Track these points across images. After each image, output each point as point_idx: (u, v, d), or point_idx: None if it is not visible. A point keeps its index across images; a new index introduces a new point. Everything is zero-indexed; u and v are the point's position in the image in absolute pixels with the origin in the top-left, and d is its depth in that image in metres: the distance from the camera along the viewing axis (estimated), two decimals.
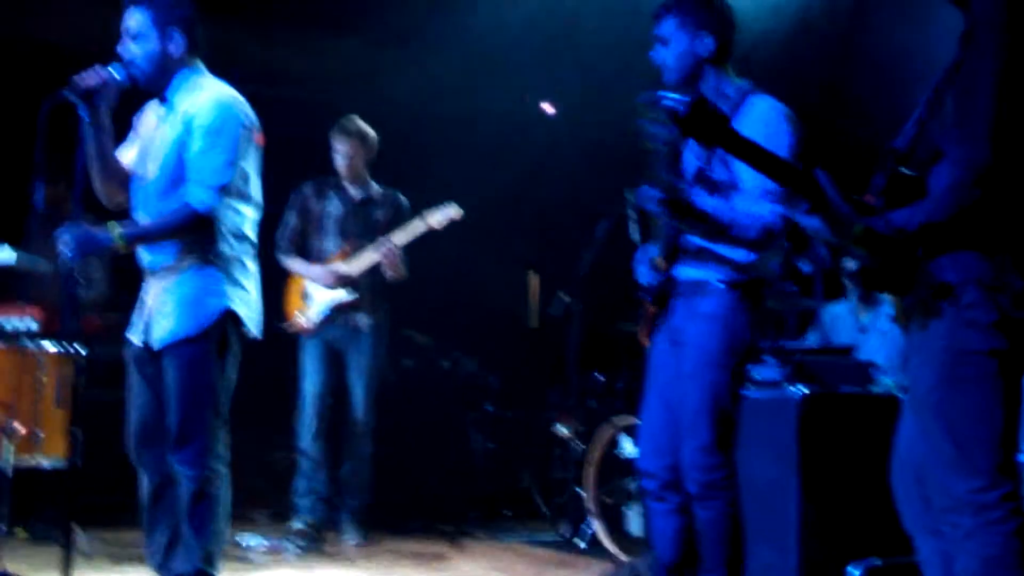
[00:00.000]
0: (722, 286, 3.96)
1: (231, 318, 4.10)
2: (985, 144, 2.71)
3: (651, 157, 4.03)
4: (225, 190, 4.05)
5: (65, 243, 3.90)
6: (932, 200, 2.79)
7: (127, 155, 4.29)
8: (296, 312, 6.55)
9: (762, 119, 3.90)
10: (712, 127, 2.90)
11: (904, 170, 2.90)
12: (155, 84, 4.16)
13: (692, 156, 4.00)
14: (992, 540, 2.74)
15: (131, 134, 4.32)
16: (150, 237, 4.09)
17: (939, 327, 2.80)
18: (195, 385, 4.03)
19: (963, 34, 2.89)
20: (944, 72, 2.90)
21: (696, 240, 4.00)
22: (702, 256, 3.99)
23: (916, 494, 2.95)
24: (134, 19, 4.10)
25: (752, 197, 3.87)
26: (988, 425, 2.77)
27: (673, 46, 4.03)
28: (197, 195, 4.01)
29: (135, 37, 4.09)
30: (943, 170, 2.80)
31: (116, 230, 4.00)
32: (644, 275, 4.17)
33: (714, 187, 3.91)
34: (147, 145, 4.22)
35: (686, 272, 4.03)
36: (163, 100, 4.18)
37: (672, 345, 4.06)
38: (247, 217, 4.21)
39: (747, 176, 3.87)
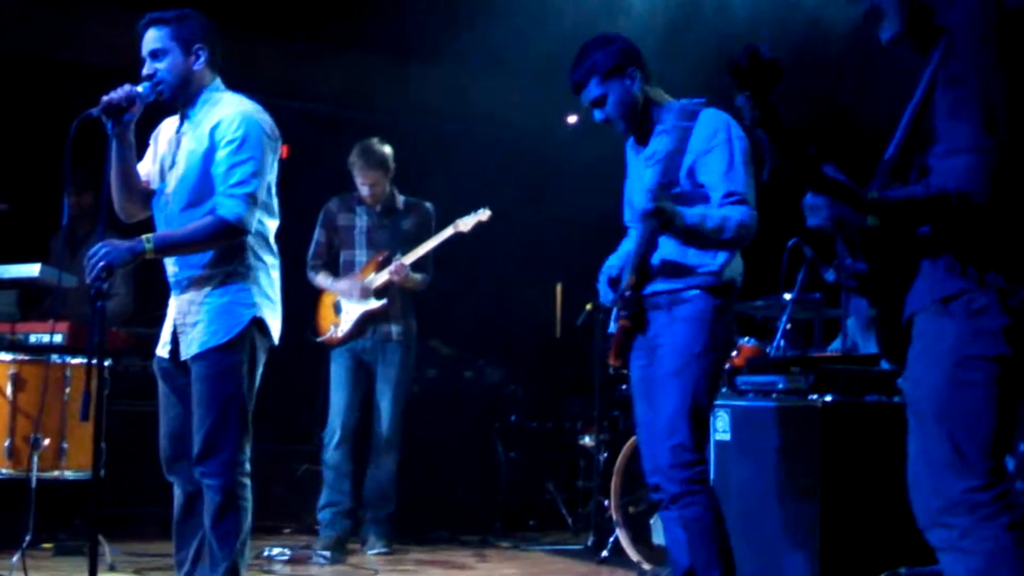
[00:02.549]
0: (698, 292, 4.05)
1: (258, 326, 4.13)
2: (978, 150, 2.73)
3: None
4: (254, 200, 4.07)
5: (97, 258, 3.88)
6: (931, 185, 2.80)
7: (142, 171, 4.30)
8: (331, 325, 6.59)
9: (711, 127, 4.02)
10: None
11: (896, 183, 2.91)
12: (179, 98, 4.16)
13: (657, 171, 4.04)
14: (988, 534, 2.74)
15: (147, 151, 4.33)
16: (181, 246, 4.08)
17: (947, 331, 2.81)
18: (224, 395, 4.04)
19: (932, 53, 2.88)
20: (922, 88, 2.89)
21: (667, 255, 4.05)
22: (672, 270, 4.07)
23: None
24: (154, 37, 4.12)
25: (718, 203, 3.98)
26: (986, 428, 2.78)
27: (611, 98, 4.14)
28: (227, 206, 4.02)
29: (157, 55, 4.10)
30: (932, 180, 2.81)
31: (146, 236, 4.00)
32: (606, 294, 4.25)
33: (681, 200, 3.96)
34: (166, 162, 4.22)
35: (659, 286, 4.09)
36: (184, 116, 4.20)
37: (649, 356, 4.13)
38: (270, 228, 4.23)
39: (714, 183, 3.98)
